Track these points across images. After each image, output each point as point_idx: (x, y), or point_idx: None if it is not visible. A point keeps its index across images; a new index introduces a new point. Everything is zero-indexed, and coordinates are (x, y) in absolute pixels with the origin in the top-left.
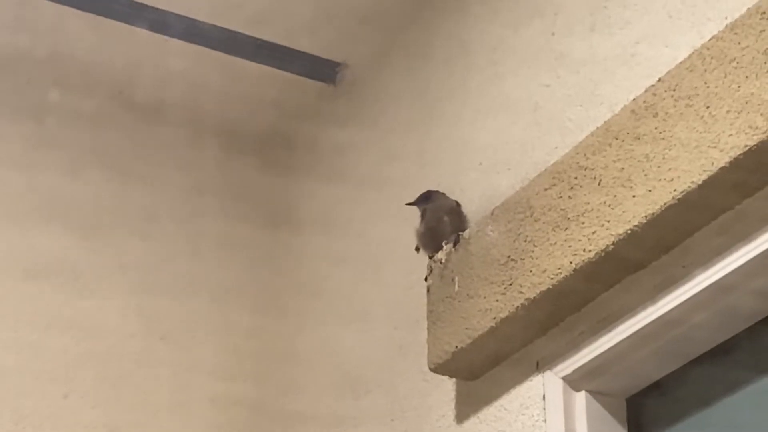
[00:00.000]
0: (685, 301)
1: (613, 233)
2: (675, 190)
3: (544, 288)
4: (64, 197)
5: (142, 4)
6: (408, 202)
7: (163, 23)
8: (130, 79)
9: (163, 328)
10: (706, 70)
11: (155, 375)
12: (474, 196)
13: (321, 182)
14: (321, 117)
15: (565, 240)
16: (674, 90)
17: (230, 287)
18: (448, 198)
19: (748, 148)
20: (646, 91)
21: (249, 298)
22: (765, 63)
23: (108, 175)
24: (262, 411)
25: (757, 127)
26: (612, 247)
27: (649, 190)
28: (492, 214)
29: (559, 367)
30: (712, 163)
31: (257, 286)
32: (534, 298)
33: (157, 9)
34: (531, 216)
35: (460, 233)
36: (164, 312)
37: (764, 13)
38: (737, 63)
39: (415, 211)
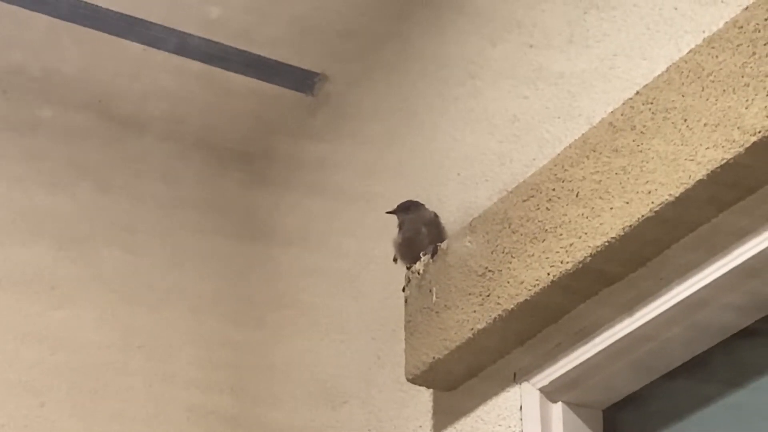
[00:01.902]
0: (662, 313)
1: (591, 245)
2: (652, 202)
3: (521, 299)
4: (42, 208)
5: (128, 17)
6: (388, 210)
7: (144, 36)
8: (110, 91)
9: (141, 339)
10: (683, 84)
11: (132, 386)
12: (452, 208)
13: (299, 195)
14: (299, 129)
15: (543, 252)
16: (651, 103)
17: (208, 299)
18: (426, 209)
19: (724, 161)
20: (623, 104)
21: (226, 309)
22: (742, 77)
23: (87, 186)
24: (239, 422)
25: (733, 141)
26: (589, 259)
27: (627, 203)
28: (470, 225)
29: (536, 378)
30: (689, 176)
31: (235, 297)
32: (511, 309)
33: (139, 20)
34: (509, 227)
35: (438, 244)
36: (142, 323)
37: (741, 27)
38: (714, 77)
39: (393, 223)
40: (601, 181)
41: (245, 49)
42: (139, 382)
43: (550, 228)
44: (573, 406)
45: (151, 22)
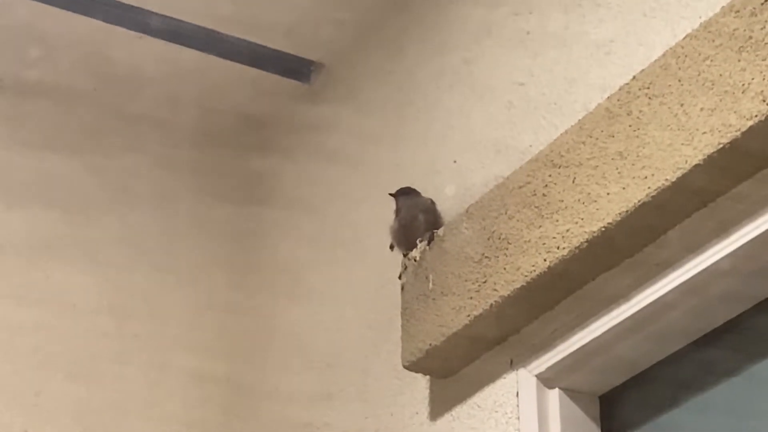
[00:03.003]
0: (659, 298)
1: (587, 231)
2: (649, 188)
3: (518, 286)
4: (35, 174)
5: (122, 4)
6: (391, 192)
7: (140, 22)
8: (106, 70)
9: (139, 306)
10: (680, 69)
11: (131, 353)
12: (448, 195)
13: (298, 161)
14: (294, 119)
15: (539, 238)
16: (648, 88)
17: (205, 266)
18: (422, 196)
19: (721, 146)
20: (620, 89)
21: (224, 276)
22: (738, 61)
23: (82, 153)
24: (237, 389)
25: (730, 125)
26: (586, 244)
27: (623, 188)
28: (466, 212)
29: (533, 364)
30: (686, 161)
31: (232, 264)
32: (508, 295)
33: (135, 7)
34: (505, 214)
35: (435, 231)
36: (140, 290)
37: (738, 11)
38: (711, 61)
39: (392, 205)
40: (597, 166)
41: (240, 35)
42: (139, 349)
43: (547, 214)
44: (570, 392)
45: (145, 9)
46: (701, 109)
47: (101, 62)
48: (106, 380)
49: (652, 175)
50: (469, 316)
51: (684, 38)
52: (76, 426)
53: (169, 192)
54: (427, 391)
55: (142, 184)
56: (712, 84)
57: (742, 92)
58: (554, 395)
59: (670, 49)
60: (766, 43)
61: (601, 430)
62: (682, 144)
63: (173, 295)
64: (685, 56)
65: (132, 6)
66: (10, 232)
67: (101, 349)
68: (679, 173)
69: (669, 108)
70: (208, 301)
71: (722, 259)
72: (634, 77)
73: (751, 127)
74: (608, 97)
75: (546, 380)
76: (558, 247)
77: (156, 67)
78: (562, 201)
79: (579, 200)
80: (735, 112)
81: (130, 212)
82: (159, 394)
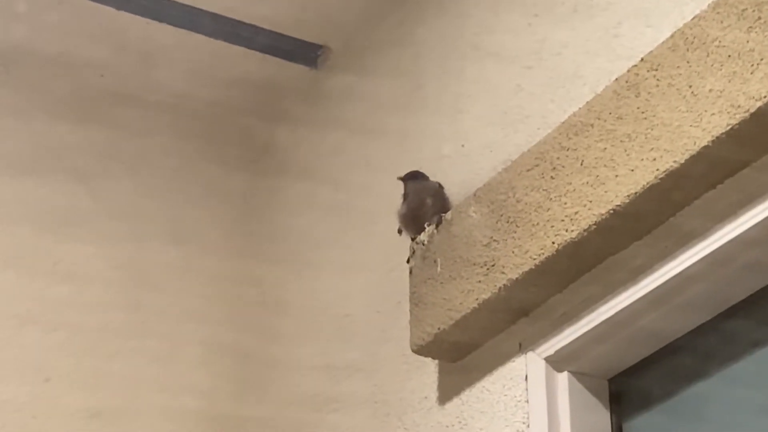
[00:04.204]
0: (667, 281)
1: (596, 213)
2: (657, 169)
3: (526, 269)
4: (47, 145)
5: None
6: (399, 176)
7: (148, 7)
8: (120, 44)
9: (151, 279)
10: (688, 50)
11: (143, 326)
12: (456, 178)
13: (315, 130)
14: (300, 110)
15: (548, 221)
16: (656, 70)
17: (218, 238)
18: (430, 180)
19: (730, 127)
20: (628, 71)
21: (236, 248)
22: (747, 42)
23: (93, 123)
24: (252, 358)
25: (739, 106)
26: (594, 227)
27: (632, 170)
28: (474, 195)
29: (542, 348)
30: (695, 143)
31: (245, 236)
32: (516, 278)
33: None
34: (513, 197)
35: (443, 215)
36: (152, 262)
37: None
38: (719, 42)
39: (399, 190)
40: (605, 149)
41: (247, 20)
42: (151, 319)
43: (555, 197)
44: (579, 375)
45: None
46: (710, 90)
47: (115, 36)
48: (118, 353)
49: (661, 156)
50: (477, 299)
51: (692, 19)
52: (89, 399)
53: (181, 164)
54: (436, 375)
55: (156, 157)
56: (721, 65)
57: (751, 73)
58: (563, 378)
59: (678, 30)
60: None
61: (611, 413)
62: (691, 125)
63: (185, 267)
64: (694, 37)
65: None
66: (20, 203)
67: (113, 322)
68: (687, 155)
69: (677, 89)
70: (221, 273)
71: (721, 246)
72: (642, 59)
73: (759, 108)
74: (616, 79)
75: (555, 363)
76: (566, 230)
77: (167, 47)
78: (571, 183)
79: (587, 183)
80: (744, 93)
81: (142, 184)
82: (171, 365)
